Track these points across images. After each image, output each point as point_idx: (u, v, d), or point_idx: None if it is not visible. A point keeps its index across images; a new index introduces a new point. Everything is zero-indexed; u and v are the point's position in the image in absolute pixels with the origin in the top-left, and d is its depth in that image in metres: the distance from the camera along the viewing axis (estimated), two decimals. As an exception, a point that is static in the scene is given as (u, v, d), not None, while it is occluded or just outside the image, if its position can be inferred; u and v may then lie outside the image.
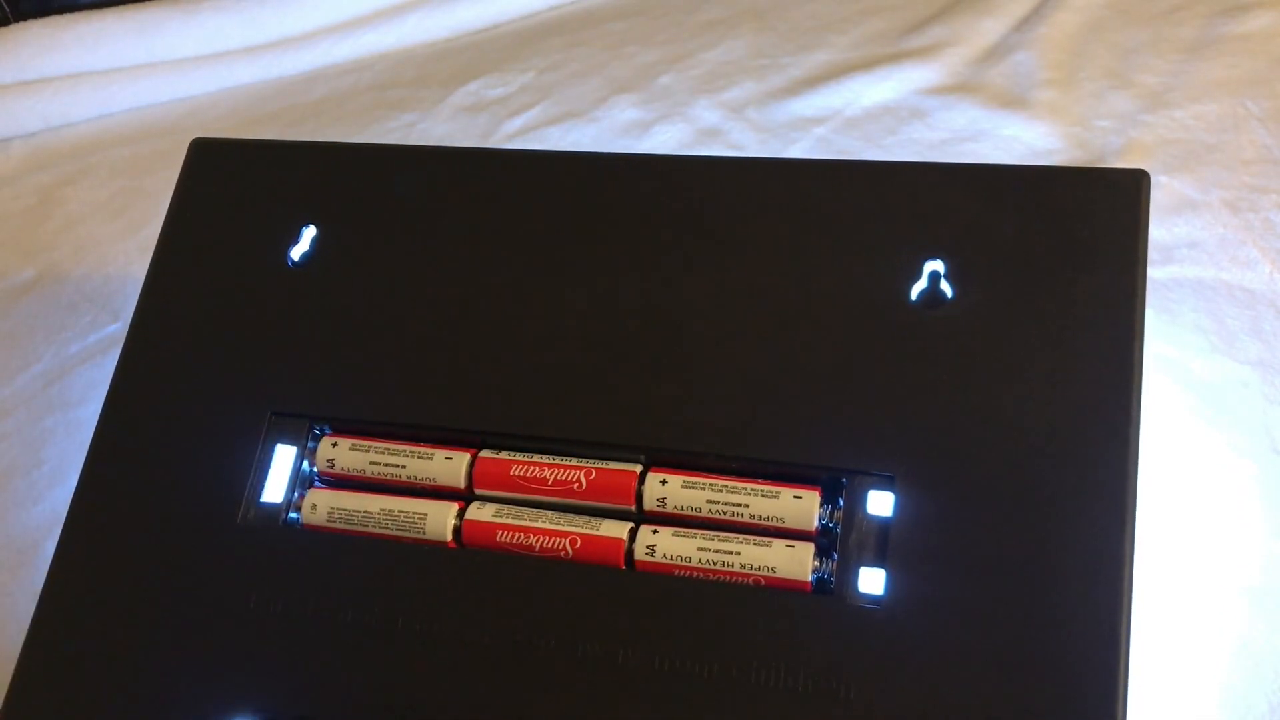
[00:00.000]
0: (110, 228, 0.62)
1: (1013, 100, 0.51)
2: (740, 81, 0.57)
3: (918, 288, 0.30)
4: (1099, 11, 0.54)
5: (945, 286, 0.30)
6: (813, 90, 0.55)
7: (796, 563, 0.28)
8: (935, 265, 0.30)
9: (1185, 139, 0.47)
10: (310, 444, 0.34)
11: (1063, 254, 0.29)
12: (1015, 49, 0.54)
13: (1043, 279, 0.29)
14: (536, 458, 0.31)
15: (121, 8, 0.67)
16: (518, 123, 0.58)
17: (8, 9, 0.69)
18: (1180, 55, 0.51)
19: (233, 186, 0.37)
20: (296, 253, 0.35)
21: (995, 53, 0.54)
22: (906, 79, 0.54)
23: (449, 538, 0.31)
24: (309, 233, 0.35)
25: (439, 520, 0.31)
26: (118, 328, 0.54)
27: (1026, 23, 0.55)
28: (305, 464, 0.34)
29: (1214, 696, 0.35)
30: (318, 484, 0.34)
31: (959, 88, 0.53)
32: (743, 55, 0.59)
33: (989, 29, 0.55)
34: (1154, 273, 0.44)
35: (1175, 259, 0.44)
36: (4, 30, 0.68)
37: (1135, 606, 0.26)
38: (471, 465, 0.32)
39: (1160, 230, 0.45)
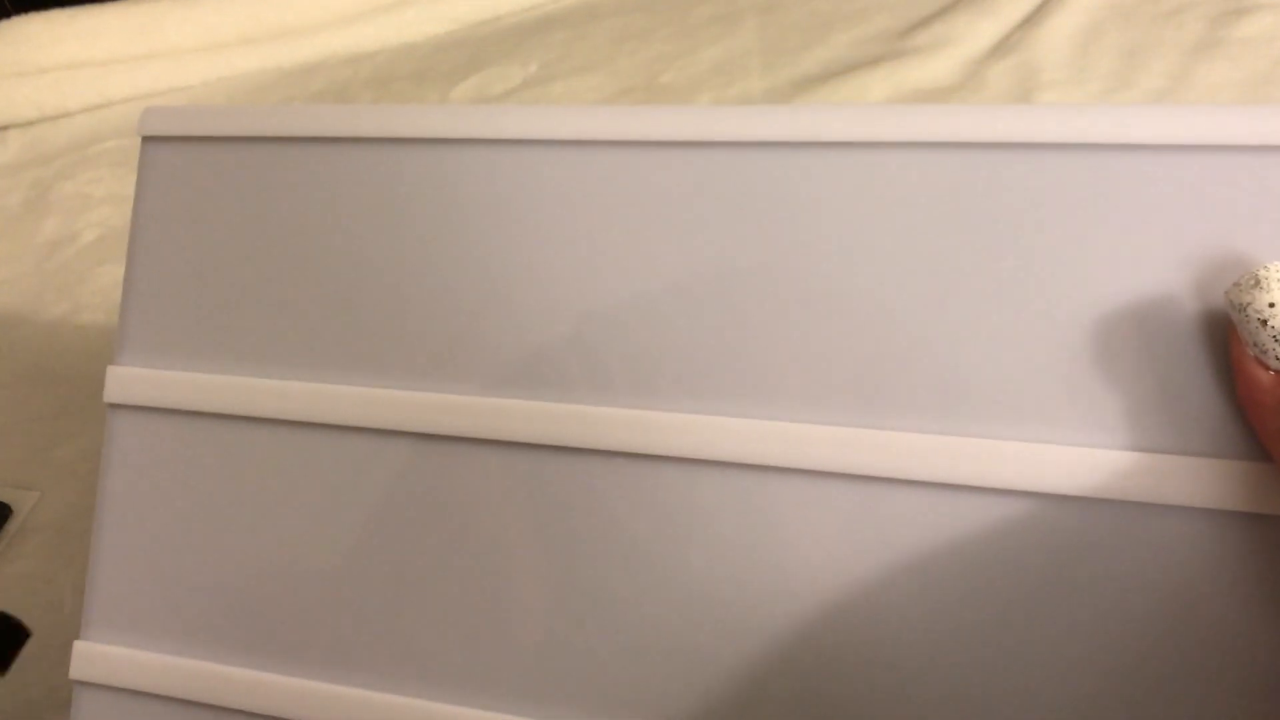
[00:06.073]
0: (110, 219, 0.62)
1: (1015, 100, 0.51)
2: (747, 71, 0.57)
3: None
4: (1101, 13, 0.54)
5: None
6: (814, 92, 0.55)
7: None
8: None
9: (1186, 143, 0.48)
10: None
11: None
12: (1016, 49, 0.54)
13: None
14: None
15: (122, 2, 0.67)
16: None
17: (7, 1, 0.69)
18: (1182, 57, 0.51)
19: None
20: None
21: (997, 53, 0.54)
22: (907, 78, 0.54)
23: None
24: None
25: None
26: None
27: (1028, 23, 0.55)
28: None
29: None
30: None
31: (960, 87, 0.53)
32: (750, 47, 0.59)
33: (990, 29, 0.55)
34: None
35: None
36: (4, 23, 0.67)
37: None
38: None
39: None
